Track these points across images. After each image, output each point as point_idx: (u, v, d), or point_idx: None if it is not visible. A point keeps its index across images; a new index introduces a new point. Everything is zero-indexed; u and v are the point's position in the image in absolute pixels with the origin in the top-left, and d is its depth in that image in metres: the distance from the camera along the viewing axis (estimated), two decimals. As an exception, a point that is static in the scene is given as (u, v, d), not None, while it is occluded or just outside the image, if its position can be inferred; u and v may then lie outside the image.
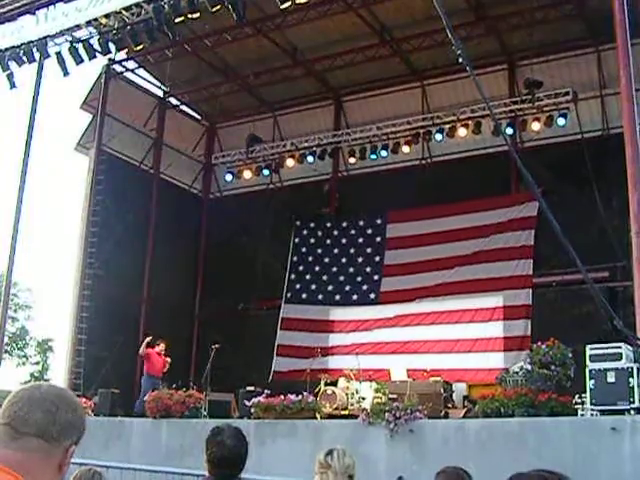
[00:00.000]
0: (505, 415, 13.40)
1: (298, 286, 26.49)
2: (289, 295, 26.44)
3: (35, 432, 2.12)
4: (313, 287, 26.21)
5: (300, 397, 15.93)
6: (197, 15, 17.76)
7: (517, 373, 14.71)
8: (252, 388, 17.96)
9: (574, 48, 22.87)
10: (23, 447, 2.11)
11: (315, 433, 14.79)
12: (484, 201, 23.42)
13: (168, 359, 20.03)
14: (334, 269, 26.05)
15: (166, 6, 17.61)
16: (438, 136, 24.18)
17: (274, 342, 25.41)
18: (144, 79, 27.22)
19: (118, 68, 25.67)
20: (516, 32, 22.70)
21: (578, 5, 21.24)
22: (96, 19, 18.96)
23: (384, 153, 25.32)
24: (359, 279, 25.43)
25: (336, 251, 26.23)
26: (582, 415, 13.09)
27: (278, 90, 26.78)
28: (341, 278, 25.78)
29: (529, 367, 14.29)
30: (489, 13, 22.37)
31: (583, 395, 13.20)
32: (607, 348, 13.00)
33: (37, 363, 43.46)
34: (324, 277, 26.14)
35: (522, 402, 13.33)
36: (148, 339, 20.06)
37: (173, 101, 28.45)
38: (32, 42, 19.62)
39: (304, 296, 26.22)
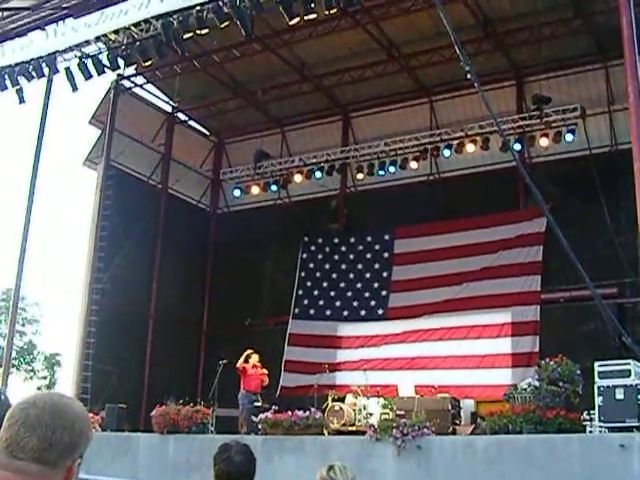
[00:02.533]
0: (513, 432, 13.35)
1: (306, 302, 26.45)
2: (297, 311, 26.40)
3: (32, 459, 2.03)
4: (321, 303, 26.17)
5: (308, 413, 15.90)
6: (206, 31, 17.78)
7: (525, 389, 14.65)
8: (259, 404, 17.94)
9: (582, 64, 22.89)
10: (22, 470, 2.02)
11: (322, 449, 14.75)
12: (492, 217, 23.38)
13: (264, 371, 19.39)
14: (342, 285, 26.01)
15: (175, 22, 17.67)
16: (446, 152, 24.17)
17: (281, 358, 25.36)
18: (153, 94, 27.32)
19: (127, 83, 25.76)
20: (524, 48, 22.74)
21: (586, 21, 21.27)
22: (105, 35, 19.01)
23: (392, 169, 25.28)
24: (367, 295, 25.38)
25: (344, 267, 26.19)
26: (590, 432, 13.04)
27: (286, 106, 26.86)
28: (349, 294, 25.73)
29: (537, 383, 14.23)
30: (497, 29, 22.39)
31: (591, 412, 13.14)
32: (616, 365, 12.96)
33: (45, 377, 43.36)
34: (332, 293, 26.09)
35: (530, 419, 13.29)
36: (248, 352, 19.21)
37: (181, 116, 28.54)
38: (41, 57, 19.69)
39: (312, 312, 26.17)
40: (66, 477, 2.11)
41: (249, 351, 19.20)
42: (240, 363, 18.88)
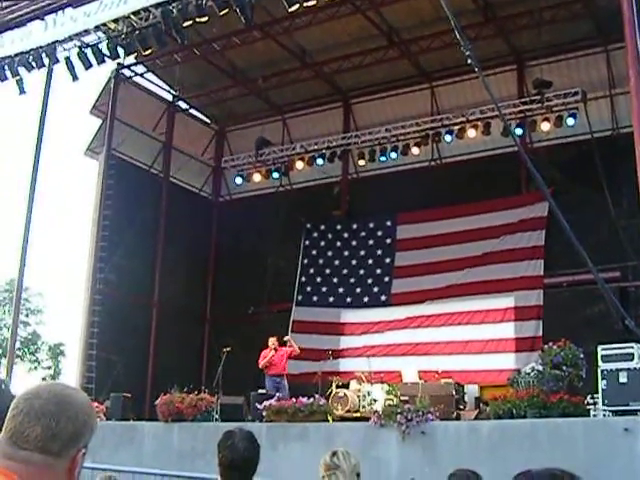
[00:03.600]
0: (517, 416, 13.38)
1: (309, 289, 26.46)
2: (300, 298, 26.41)
3: (36, 449, 2.04)
4: (324, 289, 26.18)
5: (311, 400, 15.92)
6: (205, 19, 17.74)
7: (529, 374, 14.66)
8: (264, 391, 17.96)
9: (583, 47, 22.82)
10: (26, 460, 2.03)
11: (327, 436, 14.78)
12: (494, 202, 23.35)
13: (284, 350, 19.70)
14: (345, 271, 26.00)
15: (174, 10, 17.64)
16: (447, 137, 24.15)
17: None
18: (153, 83, 27.26)
19: (127, 72, 25.70)
20: (525, 32, 22.66)
21: (586, 4, 21.18)
22: (104, 24, 18.97)
23: (393, 155, 25.26)
24: (370, 281, 25.38)
25: (346, 253, 26.20)
26: (594, 416, 13.06)
27: (287, 93, 26.81)
28: (352, 280, 25.72)
29: (540, 368, 14.25)
30: (497, 13, 22.33)
31: (595, 396, 13.16)
32: (619, 348, 12.98)
33: (49, 368, 43.49)
34: (335, 279, 26.09)
35: (534, 403, 13.31)
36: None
37: (182, 105, 28.45)
38: (41, 47, 19.66)
39: (315, 299, 26.19)
40: (70, 467, 2.11)
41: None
42: (262, 363, 19.26)
